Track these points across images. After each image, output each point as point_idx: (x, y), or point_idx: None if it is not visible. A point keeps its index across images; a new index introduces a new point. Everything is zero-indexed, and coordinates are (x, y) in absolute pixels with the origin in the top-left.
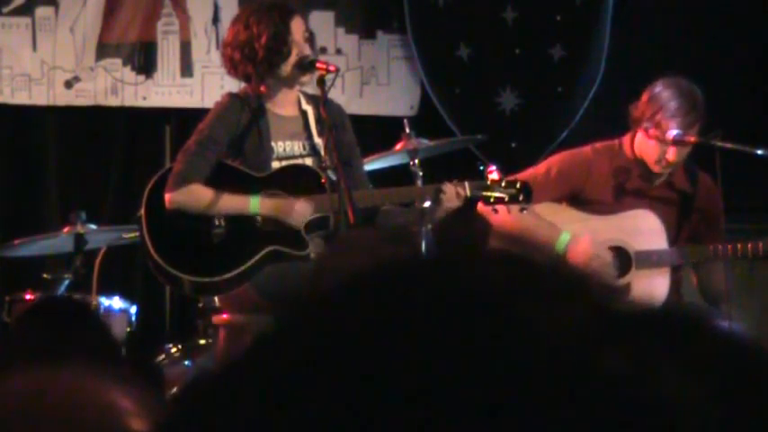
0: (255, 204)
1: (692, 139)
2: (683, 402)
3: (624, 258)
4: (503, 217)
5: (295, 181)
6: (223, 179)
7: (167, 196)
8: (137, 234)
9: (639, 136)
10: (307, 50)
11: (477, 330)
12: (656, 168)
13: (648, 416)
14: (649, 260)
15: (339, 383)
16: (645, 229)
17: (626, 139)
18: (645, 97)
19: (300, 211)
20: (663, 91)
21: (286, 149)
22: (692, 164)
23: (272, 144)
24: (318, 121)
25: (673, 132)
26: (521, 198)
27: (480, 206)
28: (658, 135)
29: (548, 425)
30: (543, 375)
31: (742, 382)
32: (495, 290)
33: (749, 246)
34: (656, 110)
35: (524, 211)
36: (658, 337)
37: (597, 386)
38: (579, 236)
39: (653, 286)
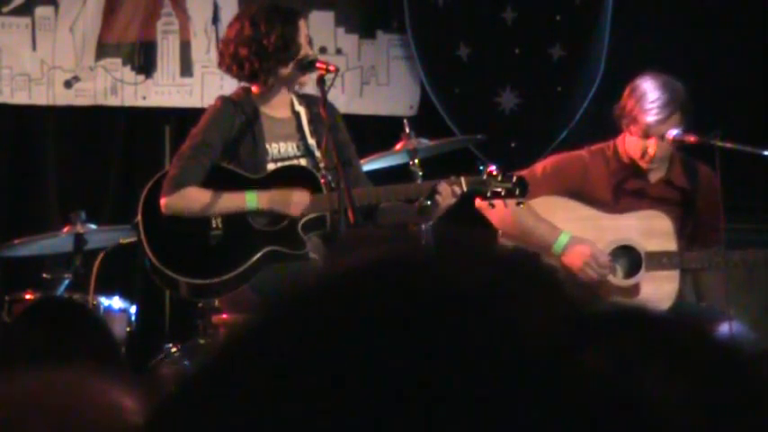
0: (252, 199)
1: (693, 139)
2: (661, 401)
3: (634, 258)
4: (502, 215)
5: (291, 182)
6: (219, 182)
7: (163, 201)
8: (134, 240)
9: (626, 135)
10: (309, 53)
11: (457, 331)
12: (642, 164)
13: (626, 414)
14: (660, 262)
15: (310, 384)
16: (657, 231)
17: (619, 139)
18: (625, 95)
19: (298, 200)
20: (639, 86)
21: (280, 151)
22: (690, 158)
23: (267, 146)
24: (311, 121)
25: (673, 132)
26: (517, 192)
27: (478, 201)
28: (637, 131)
29: (527, 422)
30: (522, 374)
31: (720, 383)
32: (474, 291)
33: (760, 254)
34: (633, 105)
35: (521, 206)
36: (636, 337)
37: (575, 384)
38: (580, 237)
39: (662, 288)
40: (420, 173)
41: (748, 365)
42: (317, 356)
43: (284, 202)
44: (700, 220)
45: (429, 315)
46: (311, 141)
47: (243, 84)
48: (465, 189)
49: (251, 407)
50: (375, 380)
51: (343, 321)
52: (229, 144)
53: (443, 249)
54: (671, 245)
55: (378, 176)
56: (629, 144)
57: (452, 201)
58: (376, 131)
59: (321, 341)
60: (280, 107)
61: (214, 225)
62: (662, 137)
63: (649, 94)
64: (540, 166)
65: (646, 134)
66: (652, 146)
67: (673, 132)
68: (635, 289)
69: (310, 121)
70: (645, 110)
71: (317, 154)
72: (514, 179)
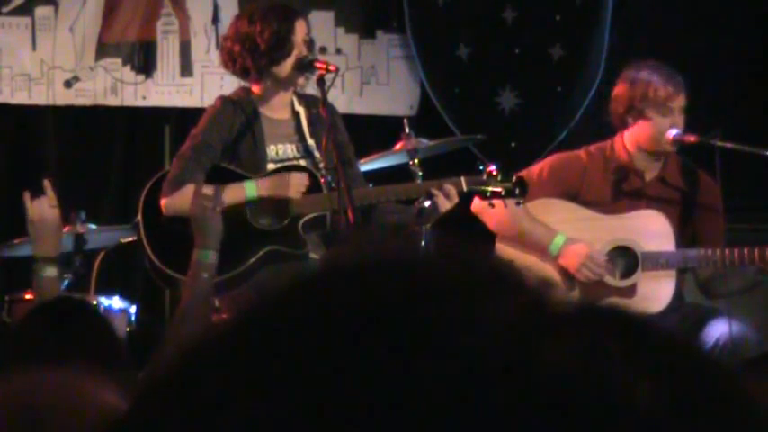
0: (252, 188)
1: (693, 139)
2: (626, 396)
3: (631, 259)
4: (499, 218)
5: None
6: (219, 182)
7: (163, 202)
8: (134, 239)
9: (634, 129)
10: (305, 54)
11: (417, 328)
12: (668, 146)
13: (592, 406)
14: (657, 262)
15: (271, 386)
16: (653, 231)
17: (617, 139)
18: (622, 89)
19: (297, 182)
20: (638, 74)
21: (279, 153)
22: (690, 162)
23: (266, 148)
24: (311, 122)
25: (672, 132)
26: (517, 192)
27: (477, 201)
28: (655, 112)
29: (494, 417)
30: (487, 368)
31: (687, 377)
32: (437, 288)
33: (756, 252)
34: (643, 89)
35: (520, 205)
36: (602, 333)
37: (536, 377)
38: (576, 239)
39: (659, 288)
40: (420, 173)
41: (715, 365)
42: (280, 358)
43: (283, 185)
44: (699, 226)
45: (390, 313)
46: (310, 142)
47: (243, 84)
48: (465, 189)
49: (207, 411)
50: (332, 380)
51: (302, 323)
52: (229, 144)
53: (407, 251)
54: (668, 245)
55: (378, 176)
56: (643, 132)
57: (453, 201)
58: (376, 131)
59: (282, 342)
60: (279, 108)
61: None
62: (683, 142)
63: (656, 73)
64: (536, 169)
65: (665, 111)
66: (677, 121)
67: (672, 132)
68: (632, 289)
69: (309, 122)
70: (661, 86)
71: (317, 155)
72: (514, 179)
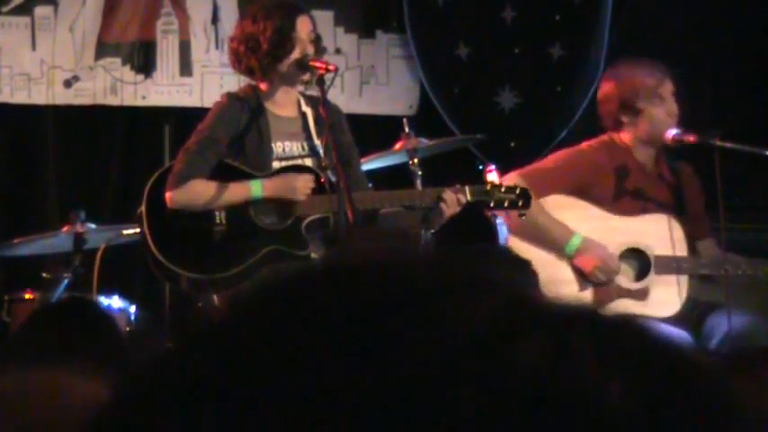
0: (258, 188)
1: (693, 139)
2: (598, 396)
3: (643, 262)
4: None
5: None
6: (224, 178)
7: (168, 195)
8: (137, 231)
9: (630, 128)
10: (311, 50)
11: (396, 327)
12: (669, 136)
13: (562, 407)
14: (669, 267)
15: (248, 384)
16: (666, 235)
17: (613, 135)
18: (609, 88)
19: (303, 185)
20: (619, 70)
21: (285, 150)
22: (671, 158)
23: (272, 144)
24: (317, 122)
25: (672, 132)
26: (520, 204)
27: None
28: (651, 98)
29: (465, 417)
30: (458, 369)
31: (658, 377)
32: (413, 288)
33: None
34: (632, 82)
35: (523, 218)
36: (576, 333)
37: (510, 378)
38: (592, 240)
39: (671, 293)
40: (419, 173)
41: (690, 364)
42: (256, 358)
43: (289, 188)
44: (689, 214)
45: (363, 314)
46: (317, 142)
47: (250, 81)
48: (469, 198)
49: (191, 409)
50: (310, 381)
51: (280, 324)
52: (235, 140)
53: (382, 253)
54: (680, 250)
55: (377, 176)
56: (639, 130)
57: (456, 209)
58: (376, 131)
59: (259, 343)
60: (286, 106)
61: (218, 221)
62: (683, 142)
63: (637, 66)
64: (552, 162)
65: (658, 100)
66: (671, 108)
67: (672, 132)
68: (644, 292)
69: (317, 122)
70: (646, 75)
71: (323, 154)
72: (518, 191)
